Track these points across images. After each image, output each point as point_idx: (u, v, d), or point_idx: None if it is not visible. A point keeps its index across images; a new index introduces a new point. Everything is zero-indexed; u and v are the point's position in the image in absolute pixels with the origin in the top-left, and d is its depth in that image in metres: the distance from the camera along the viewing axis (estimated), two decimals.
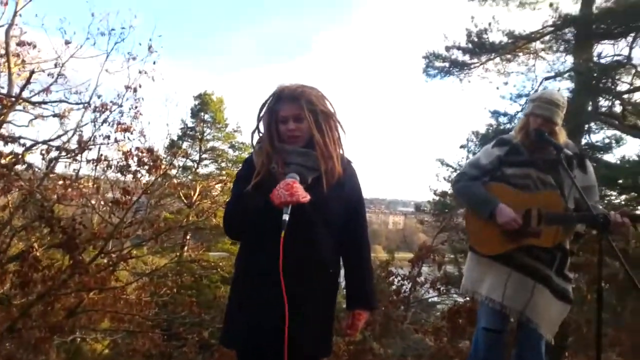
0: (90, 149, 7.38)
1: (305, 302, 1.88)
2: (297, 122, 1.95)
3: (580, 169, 2.80)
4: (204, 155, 21.51)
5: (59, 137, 7.47)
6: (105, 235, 7.42)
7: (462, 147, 12.10)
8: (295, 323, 1.82)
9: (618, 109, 10.89)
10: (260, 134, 2.05)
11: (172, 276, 11.50)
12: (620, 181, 9.19)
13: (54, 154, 7.08)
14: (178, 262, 14.16)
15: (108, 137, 7.37)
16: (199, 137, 21.34)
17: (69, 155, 7.20)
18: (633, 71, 10.55)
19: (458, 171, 3.11)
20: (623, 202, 10.26)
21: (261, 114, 2.01)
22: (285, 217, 1.79)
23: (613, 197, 10.12)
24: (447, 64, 12.21)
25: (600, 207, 2.74)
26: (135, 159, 7.56)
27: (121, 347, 10.01)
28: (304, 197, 1.82)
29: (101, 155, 7.41)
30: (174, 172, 11.30)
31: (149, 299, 10.18)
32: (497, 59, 12.17)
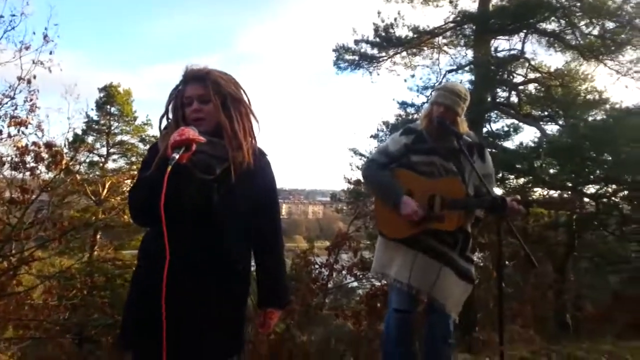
0: None
1: (216, 302, 1.78)
2: (202, 103, 1.82)
3: (479, 157, 2.95)
4: (112, 150, 20.50)
5: None
6: (3, 237, 6.92)
7: (372, 136, 12.51)
8: (205, 325, 1.75)
9: (515, 99, 11.74)
10: (169, 120, 1.90)
11: (81, 277, 10.93)
12: (518, 166, 9.90)
13: None
14: (89, 262, 13.51)
15: (0, 131, 6.86)
16: (106, 130, 20.31)
17: None
18: (527, 64, 11.44)
19: (367, 157, 3.18)
20: (519, 185, 11.15)
21: (170, 95, 1.90)
22: (175, 155, 1.63)
23: (511, 180, 10.94)
24: (356, 57, 12.53)
25: (496, 193, 2.95)
26: (32, 154, 7.10)
27: (29, 356, 9.39)
28: (197, 137, 1.69)
29: None
30: (78, 167, 10.73)
31: (57, 302, 9.62)
32: (404, 53, 12.69)
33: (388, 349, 2.99)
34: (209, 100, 1.83)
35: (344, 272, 9.33)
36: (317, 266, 9.13)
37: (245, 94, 1.94)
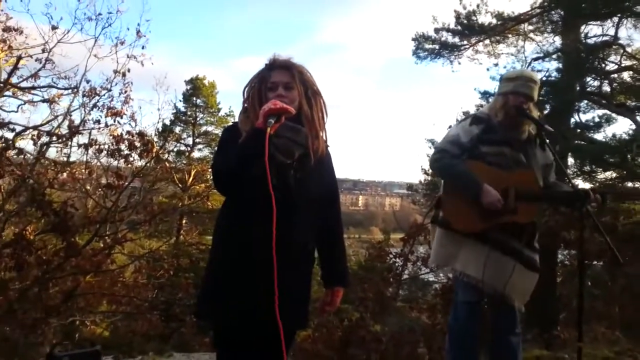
0: (81, 134, 7.43)
1: (289, 281, 1.87)
2: (287, 90, 1.92)
3: (540, 148, 2.89)
4: (197, 140, 21.52)
5: (49, 122, 7.52)
6: (99, 218, 7.49)
7: (450, 127, 12.17)
8: (281, 303, 1.81)
9: (607, 88, 10.98)
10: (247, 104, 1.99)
11: (168, 259, 11.61)
12: (609, 159, 9.30)
13: (44, 139, 7.13)
14: (175, 245, 14.33)
15: (98, 121, 7.42)
16: (192, 121, 21.32)
17: (59, 140, 7.25)
18: (621, 51, 10.63)
19: (435, 148, 3.11)
20: (608, 179, 10.45)
21: (251, 80, 1.98)
22: (271, 121, 1.75)
23: (599, 173, 10.27)
24: (436, 46, 12.25)
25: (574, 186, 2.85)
26: (127, 143, 7.61)
27: (120, 329, 10.14)
28: (289, 107, 1.80)
29: (92, 139, 7.45)
30: (167, 156, 11.37)
31: (146, 281, 10.30)
32: (487, 41, 12.21)
33: (457, 337, 2.99)
34: (293, 88, 1.92)
35: (418, 263, 9.22)
36: (391, 256, 9.10)
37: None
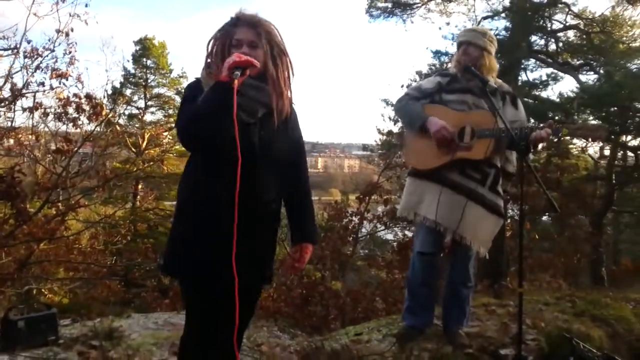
0: (25, 97, 7.11)
1: (250, 237, 1.91)
2: (252, 48, 1.86)
3: (512, 105, 2.96)
4: (149, 103, 20.88)
5: None
6: (50, 185, 7.30)
7: (404, 87, 12.30)
8: (241, 257, 1.83)
9: (553, 47, 11.28)
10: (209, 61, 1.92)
11: (124, 225, 11.47)
12: (552, 115, 9.63)
13: None
14: (131, 210, 14.12)
15: (43, 83, 7.08)
16: (143, 83, 20.62)
17: (2, 104, 6.93)
18: (566, 10, 10.87)
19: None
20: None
21: (215, 35, 1.91)
22: (237, 73, 1.72)
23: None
24: (389, 4, 12.19)
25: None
26: (74, 105, 7.35)
27: (79, 296, 10.04)
28: (254, 60, 1.78)
29: (37, 103, 7.15)
30: (117, 119, 11.06)
31: (103, 247, 10.19)
32: None
33: (413, 287, 3.11)
34: (257, 46, 1.88)
35: (374, 220, 9.47)
36: (348, 215, 9.30)
37: (286, 46, 2.00)
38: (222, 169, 1.84)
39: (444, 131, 2.76)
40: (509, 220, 10.63)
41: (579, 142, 11.15)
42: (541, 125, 2.77)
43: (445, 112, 2.86)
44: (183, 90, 2.00)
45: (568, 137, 11.05)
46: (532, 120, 9.35)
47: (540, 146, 3.07)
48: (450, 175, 2.83)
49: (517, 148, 2.69)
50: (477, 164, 2.83)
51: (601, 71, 10.34)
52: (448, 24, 12.43)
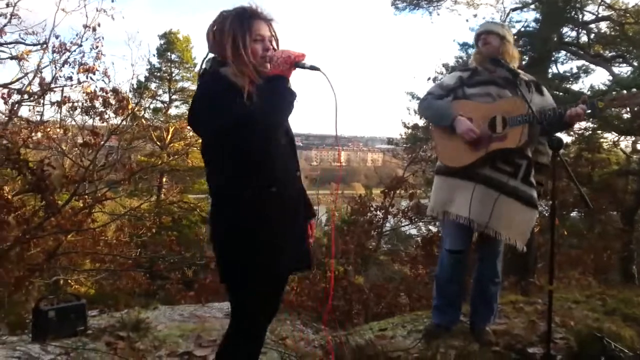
0: (54, 91, 7.24)
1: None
2: (273, 44, 1.88)
3: (538, 92, 2.89)
4: (174, 96, 21.10)
5: (19, 79, 7.26)
6: (78, 177, 7.42)
7: (430, 79, 12.13)
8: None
9: (585, 39, 10.98)
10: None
11: (149, 217, 11.62)
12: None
13: (15, 97, 6.94)
14: (156, 203, 14.31)
15: (70, 78, 7.20)
16: (167, 77, 20.83)
17: (31, 99, 7.08)
18: (598, 0, 10.57)
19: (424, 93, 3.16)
20: (581, 129, 10.66)
21: (232, 27, 1.81)
22: (306, 64, 1.81)
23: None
24: None
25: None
26: (101, 100, 7.46)
27: (105, 287, 10.23)
28: (300, 53, 1.82)
29: (65, 97, 7.27)
30: (143, 113, 11.18)
31: (128, 239, 10.33)
32: None
33: (441, 285, 3.06)
34: (272, 44, 1.89)
35: (399, 215, 9.40)
36: (372, 209, 9.25)
37: None
38: (282, 160, 1.92)
39: (471, 133, 2.72)
40: (537, 216, 10.40)
41: (610, 136, 10.84)
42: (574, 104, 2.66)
43: (473, 106, 2.81)
44: (209, 84, 1.86)
45: (599, 131, 10.88)
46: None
47: (576, 126, 2.98)
48: (482, 171, 2.77)
49: (549, 137, 2.55)
50: (508, 156, 2.76)
51: (635, 63, 10.02)
52: (475, 15, 12.16)
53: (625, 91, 9.53)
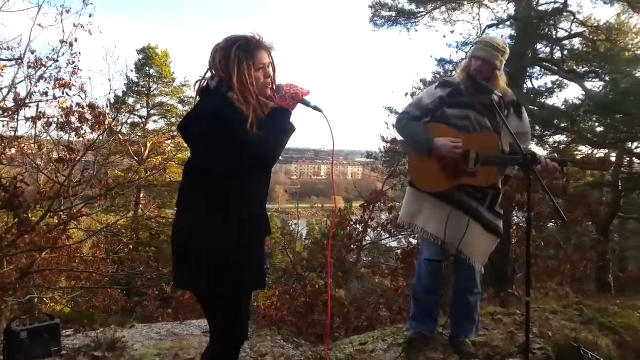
0: (28, 107, 7.10)
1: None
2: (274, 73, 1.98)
3: (516, 115, 2.93)
4: (152, 111, 20.90)
5: None
6: (52, 194, 7.28)
7: (408, 94, 12.28)
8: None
9: (558, 54, 11.26)
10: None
11: (126, 233, 11.44)
12: (558, 123, 9.58)
13: None
14: (133, 219, 14.10)
15: (46, 93, 7.07)
16: (145, 92, 20.66)
17: (5, 114, 6.93)
18: (571, 17, 10.87)
19: (400, 110, 3.15)
20: (557, 142, 10.90)
21: (237, 55, 1.84)
22: (310, 102, 1.95)
23: (548, 137, 10.68)
24: (393, 13, 12.23)
25: (531, 150, 2.90)
26: (77, 115, 7.35)
27: (81, 304, 10.01)
28: (306, 91, 1.97)
29: (40, 112, 7.14)
30: (120, 128, 11.06)
31: (104, 255, 10.15)
32: (443, 7, 12.27)
33: (419, 295, 3.07)
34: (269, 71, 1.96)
35: (378, 228, 9.41)
36: (352, 223, 9.25)
37: None
38: (262, 189, 2.03)
39: (455, 150, 2.73)
40: (514, 227, 10.63)
41: (584, 149, 11.09)
42: (546, 156, 2.76)
43: (448, 132, 2.80)
44: (220, 111, 1.83)
45: (573, 144, 11.13)
46: (537, 128, 9.37)
47: (550, 139, 3.05)
48: (455, 194, 2.85)
49: (522, 165, 2.66)
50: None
51: (607, 78, 10.28)
52: (452, 32, 12.50)
53: (598, 128, 9.88)
